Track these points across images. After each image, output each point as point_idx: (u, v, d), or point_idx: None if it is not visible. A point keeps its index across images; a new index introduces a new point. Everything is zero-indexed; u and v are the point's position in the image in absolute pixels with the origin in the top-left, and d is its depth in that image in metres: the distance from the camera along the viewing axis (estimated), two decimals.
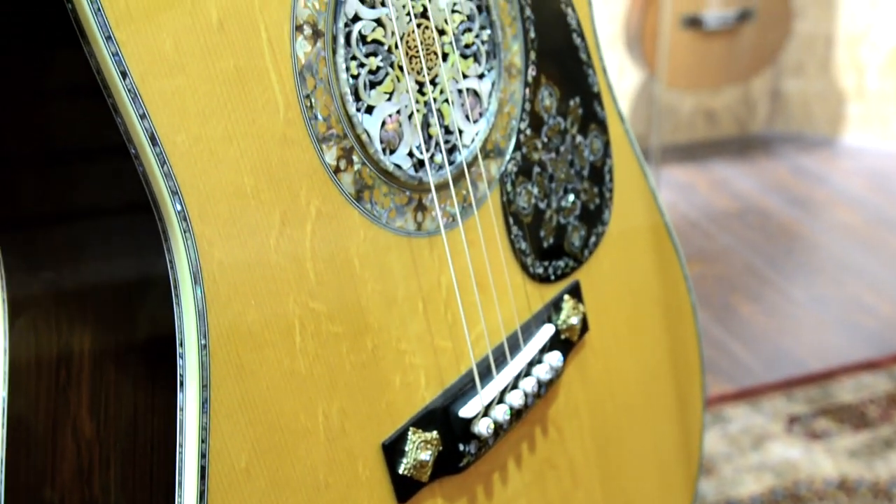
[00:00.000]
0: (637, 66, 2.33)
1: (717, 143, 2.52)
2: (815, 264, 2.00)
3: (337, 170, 0.57)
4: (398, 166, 0.60)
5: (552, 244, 0.71)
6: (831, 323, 1.79)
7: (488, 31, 0.66)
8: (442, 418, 0.62)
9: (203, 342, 0.50)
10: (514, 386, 0.66)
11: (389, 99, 0.59)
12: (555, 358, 0.68)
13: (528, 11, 0.68)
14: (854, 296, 1.88)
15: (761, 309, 1.85)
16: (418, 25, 0.61)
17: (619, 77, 2.39)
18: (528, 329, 0.69)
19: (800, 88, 2.50)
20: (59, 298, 0.57)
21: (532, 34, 0.69)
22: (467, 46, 0.65)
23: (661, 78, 2.22)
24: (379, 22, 0.59)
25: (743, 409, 1.59)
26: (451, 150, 0.64)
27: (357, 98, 0.58)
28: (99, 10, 0.46)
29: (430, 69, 0.62)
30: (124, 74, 0.47)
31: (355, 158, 0.58)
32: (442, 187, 0.63)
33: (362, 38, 0.58)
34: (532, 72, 0.69)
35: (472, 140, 0.65)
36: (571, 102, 0.72)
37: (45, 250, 0.57)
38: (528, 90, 0.69)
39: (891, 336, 1.75)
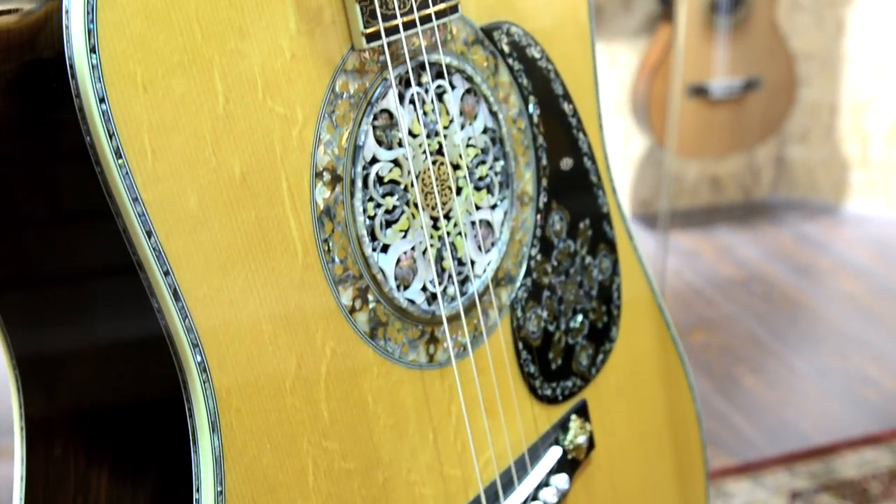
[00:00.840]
0: (643, 133, 2.36)
1: (721, 208, 2.54)
2: (819, 335, 2.01)
3: (352, 310, 0.58)
4: (412, 301, 0.61)
5: (560, 365, 0.72)
6: (834, 395, 1.80)
7: (502, 163, 0.68)
8: None
9: (219, 489, 0.51)
10: None
11: (405, 236, 0.61)
12: (562, 480, 0.69)
13: (540, 139, 0.70)
14: (858, 368, 1.88)
15: (764, 380, 1.85)
16: (434, 162, 0.62)
17: (625, 143, 2.42)
18: (536, 451, 0.70)
19: (804, 155, 2.52)
20: (79, 429, 0.58)
21: (544, 161, 0.70)
22: (481, 179, 0.66)
23: (669, 147, 2.24)
24: (396, 162, 0.60)
25: (745, 484, 1.59)
26: (464, 282, 0.65)
27: (373, 238, 0.59)
28: (127, 173, 0.47)
29: (444, 204, 0.63)
30: (149, 234, 0.48)
31: (370, 297, 0.59)
32: (453, 319, 0.64)
33: (379, 180, 0.59)
34: (543, 198, 0.70)
35: (484, 270, 0.66)
36: (581, 225, 0.74)
37: (67, 381, 0.58)
38: (539, 216, 0.70)
39: (894, 410, 1.75)
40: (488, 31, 0.66)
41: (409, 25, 0.59)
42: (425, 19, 0.60)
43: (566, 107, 0.72)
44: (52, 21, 0.47)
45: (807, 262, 2.30)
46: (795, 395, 1.80)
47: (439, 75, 0.63)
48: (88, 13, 0.46)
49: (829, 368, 1.89)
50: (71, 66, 0.46)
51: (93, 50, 0.46)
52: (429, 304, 0.62)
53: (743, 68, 2.27)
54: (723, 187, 2.55)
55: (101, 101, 0.46)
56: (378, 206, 0.59)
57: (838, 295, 2.16)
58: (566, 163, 0.72)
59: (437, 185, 0.63)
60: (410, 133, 0.61)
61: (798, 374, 1.87)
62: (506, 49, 0.67)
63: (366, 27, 0.57)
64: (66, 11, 0.46)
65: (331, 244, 0.56)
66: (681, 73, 2.22)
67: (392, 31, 0.58)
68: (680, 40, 2.06)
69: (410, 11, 0.59)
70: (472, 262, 0.66)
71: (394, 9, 0.58)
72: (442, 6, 0.61)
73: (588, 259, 0.74)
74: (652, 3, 2.30)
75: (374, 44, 0.57)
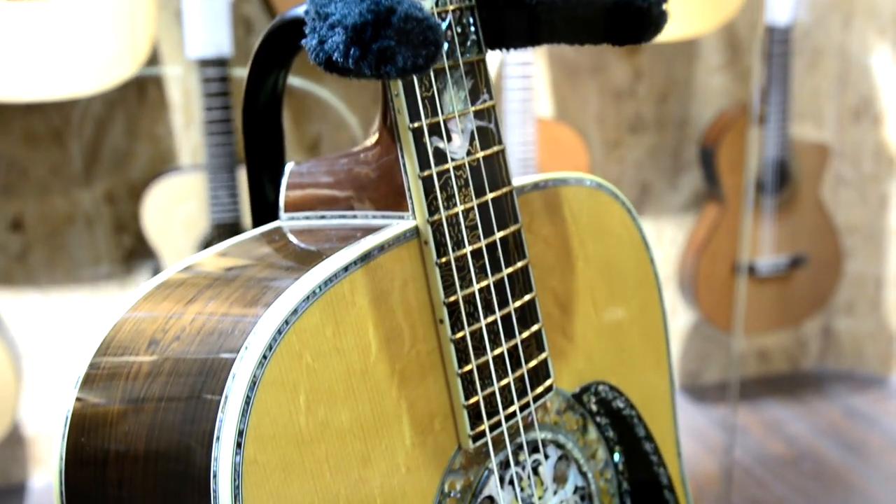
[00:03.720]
0: (690, 308, 2.39)
1: (768, 380, 2.55)
2: None
3: None
4: None
5: None
6: None
7: None
8: None
9: None
10: None
11: None
12: None
13: (624, 485, 0.73)
14: None
15: None
16: None
17: (672, 316, 2.45)
18: None
19: (851, 327, 2.53)
20: None
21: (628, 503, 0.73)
22: None
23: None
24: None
25: None
26: None
27: None
28: None
29: None
30: None
31: None
32: None
33: None
34: None
35: None
36: None
37: None
38: None
39: None
40: (578, 396, 0.70)
41: (510, 417, 0.63)
42: (525, 406, 0.64)
43: (648, 446, 0.75)
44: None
45: (857, 439, 2.29)
46: None
47: (535, 450, 0.66)
48: (234, 477, 0.50)
49: None
50: None
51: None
52: None
53: (789, 246, 2.31)
54: (770, 358, 2.56)
55: None
56: None
57: (890, 476, 2.15)
58: (648, 501, 0.75)
59: None
60: None
61: None
62: (594, 409, 0.71)
63: (472, 428, 0.61)
64: (215, 474, 0.50)
65: None
66: (725, 250, 2.26)
67: (495, 426, 0.62)
68: (746, 231, 2.11)
69: (511, 402, 0.63)
70: None
71: (497, 406, 0.62)
72: (539, 389, 0.65)
73: None
74: (698, 180, 2.36)
75: (480, 442, 0.61)
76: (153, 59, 1.98)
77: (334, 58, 0.51)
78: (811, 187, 2.31)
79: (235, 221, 1.96)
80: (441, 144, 0.59)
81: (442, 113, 0.59)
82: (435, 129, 0.59)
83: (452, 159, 0.60)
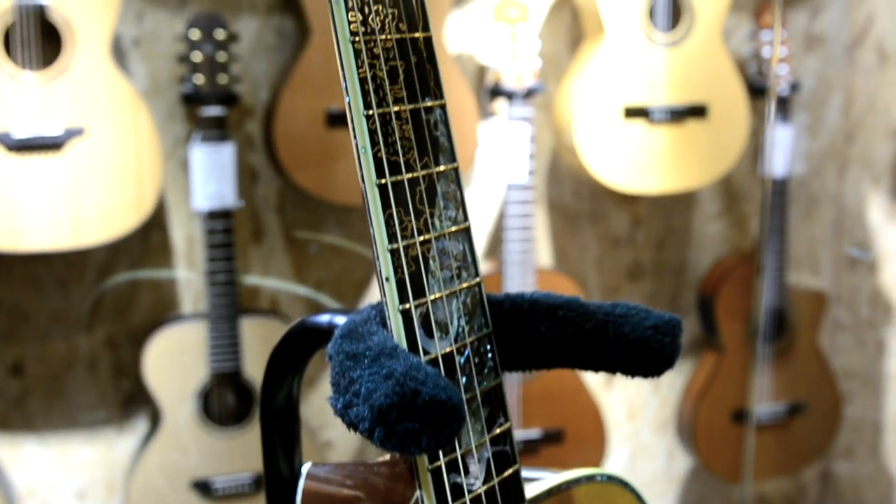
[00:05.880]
0: (688, 454, 2.38)
1: None
2: None
3: None
4: None
5: None
6: None
7: None
8: None
9: None
10: None
11: None
12: None
13: None
14: None
15: None
16: None
17: (670, 461, 2.44)
18: None
19: (850, 471, 2.52)
20: None
21: None
22: None
23: (712, 469, 2.26)
24: None
25: None
26: None
27: None
28: None
29: None
30: None
31: None
32: None
33: None
34: None
35: None
36: None
37: None
38: None
39: None
40: None
41: None
42: None
43: None
44: None
45: None
46: None
47: None
48: None
49: None
50: None
51: None
52: None
53: (787, 393, 2.31)
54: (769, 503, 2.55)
55: None
56: None
57: None
58: None
59: None
60: None
61: None
62: None
63: None
64: None
65: None
66: (722, 397, 2.26)
67: None
68: (755, 381, 2.11)
69: None
70: None
71: None
72: None
73: None
74: (696, 325, 2.37)
75: None
76: (159, 208, 2.00)
77: (359, 429, 0.52)
78: (809, 335, 2.33)
79: (235, 371, 1.97)
80: (458, 479, 0.60)
81: (460, 448, 0.59)
82: (453, 466, 0.60)
83: (470, 491, 0.61)
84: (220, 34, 1.89)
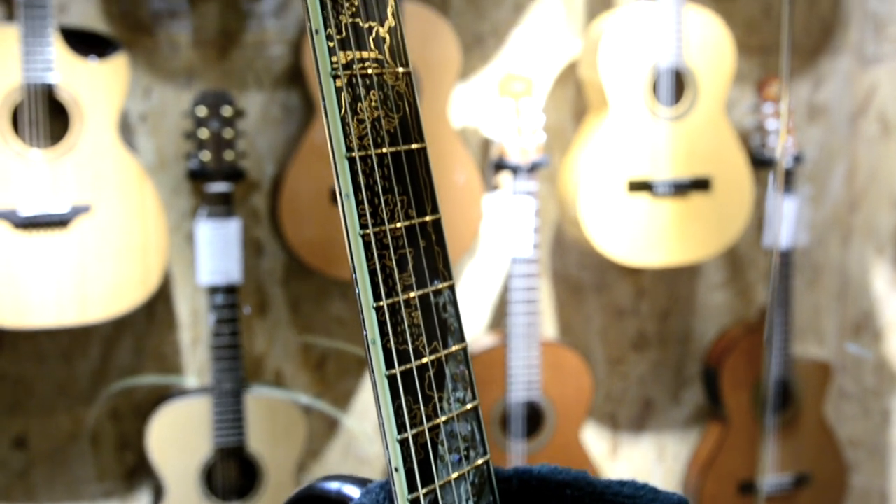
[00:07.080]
0: None
1: None
2: None
3: None
4: None
5: None
6: None
7: None
8: None
9: None
10: None
11: None
12: None
13: None
14: None
15: None
16: None
17: None
18: None
19: None
20: None
21: None
22: None
23: None
24: None
25: None
26: None
27: None
28: None
29: None
30: None
31: None
32: None
33: None
34: None
35: None
36: None
37: None
38: None
39: None
40: None
41: None
42: None
43: None
44: None
45: None
46: None
47: None
48: None
49: None
50: None
51: None
52: None
53: (793, 465, 2.30)
54: None
55: None
56: None
57: None
58: None
59: None
60: None
61: None
62: None
63: None
64: None
65: None
66: (730, 466, 2.25)
67: None
68: (764, 454, 2.10)
69: None
70: None
71: None
72: None
73: None
74: (700, 395, 2.36)
75: None
76: (164, 281, 2.00)
77: None
78: (814, 406, 2.32)
79: (239, 445, 1.96)
80: None
81: None
82: None
83: None
84: (226, 111, 1.91)
